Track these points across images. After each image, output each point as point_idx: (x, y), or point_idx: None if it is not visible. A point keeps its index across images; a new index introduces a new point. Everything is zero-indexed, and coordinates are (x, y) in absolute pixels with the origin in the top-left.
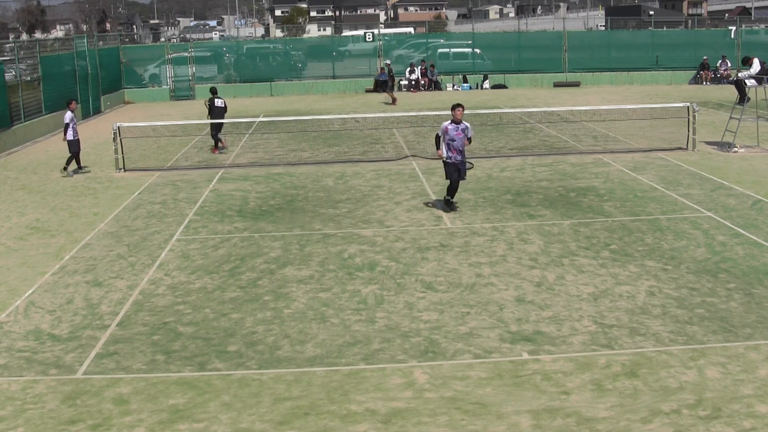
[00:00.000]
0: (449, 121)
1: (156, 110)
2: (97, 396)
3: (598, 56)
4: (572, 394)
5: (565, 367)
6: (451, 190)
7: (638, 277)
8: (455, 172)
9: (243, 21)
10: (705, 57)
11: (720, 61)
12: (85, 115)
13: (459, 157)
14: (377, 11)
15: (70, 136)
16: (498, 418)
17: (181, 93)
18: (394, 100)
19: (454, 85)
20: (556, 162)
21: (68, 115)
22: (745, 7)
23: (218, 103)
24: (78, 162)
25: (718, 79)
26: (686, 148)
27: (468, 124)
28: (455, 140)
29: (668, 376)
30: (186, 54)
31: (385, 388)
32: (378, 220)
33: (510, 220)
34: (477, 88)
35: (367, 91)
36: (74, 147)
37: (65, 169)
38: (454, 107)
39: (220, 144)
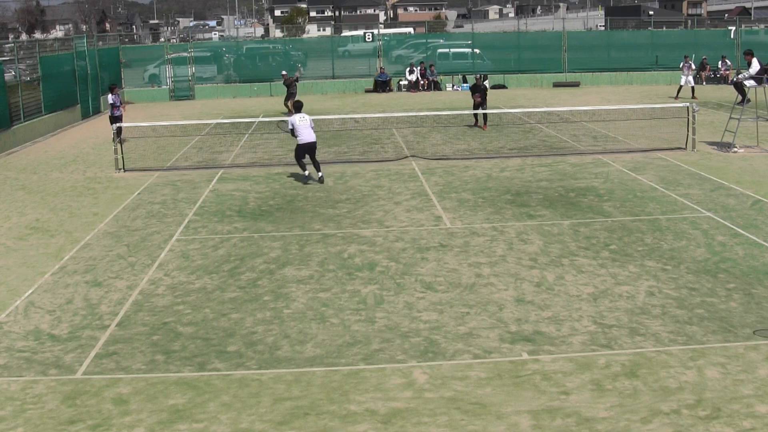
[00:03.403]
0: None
1: (156, 110)
2: (96, 396)
3: (597, 56)
4: (572, 394)
5: (564, 367)
6: None
7: (638, 277)
8: None
9: (243, 21)
10: (704, 57)
11: (720, 61)
12: (85, 115)
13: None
14: (377, 11)
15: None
16: (498, 418)
17: (180, 93)
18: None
19: (453, 86)
20: (556, 162)
21: (109, 96)
22: (744, 7)
23: None
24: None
25: (717, 80)
26: (686, 148)
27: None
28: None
29: (668, 376)
30: (186, 54)
31: (384, 388)
32: (378, 220)
33: (510, 220)
34: (485, 83)
35: (367, 91)
36: (111, 121)
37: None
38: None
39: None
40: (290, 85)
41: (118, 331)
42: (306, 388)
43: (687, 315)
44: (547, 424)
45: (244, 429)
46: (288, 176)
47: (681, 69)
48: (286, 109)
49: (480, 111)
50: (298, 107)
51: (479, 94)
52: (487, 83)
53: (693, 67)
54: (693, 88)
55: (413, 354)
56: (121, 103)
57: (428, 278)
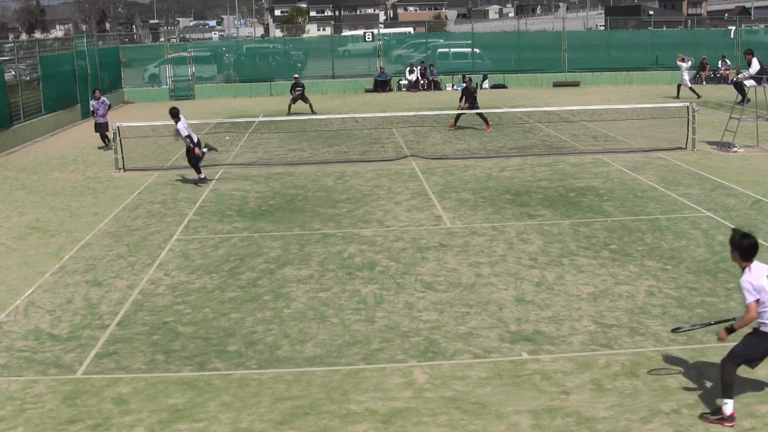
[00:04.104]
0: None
1: (156, 110)
2: (96, 396)
3: (597, 56)
4: (572, 394)
5: (564, 366)
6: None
7: (638, 276)
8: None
9: (242, 21)
10: (704, 57)
11: (720, 61)
12: (85, 114)
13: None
14: (377, 11)
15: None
16: (498, 417)
17: (180, 93)
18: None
19: (453, 85)
20: (556, 162)
21: (92, 102)
22: (744, 7)
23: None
24: (103, 139)
25: (717, 79)
26: (686, 148)
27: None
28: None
29: (668, 376)
30: (185, 54)
31: (384, 387)
32: (378, 219)
33: (510, 220)
34: (477, 87)
35: (367, 90)
36: (96, 129)
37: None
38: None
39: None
40: (295, 87)
41: (118, 331)
42: (306, 388)
43: (687, 315)
44: (547, 424)
45: (244, 429)
46: (288, 176)
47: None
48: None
49: (472, 111)
50: (176, 113)
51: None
52: (487, 83)
53: (688, 65)
54: (691, 88)
55: (413, 354)
56: (108, 108)
57: (428, 278)
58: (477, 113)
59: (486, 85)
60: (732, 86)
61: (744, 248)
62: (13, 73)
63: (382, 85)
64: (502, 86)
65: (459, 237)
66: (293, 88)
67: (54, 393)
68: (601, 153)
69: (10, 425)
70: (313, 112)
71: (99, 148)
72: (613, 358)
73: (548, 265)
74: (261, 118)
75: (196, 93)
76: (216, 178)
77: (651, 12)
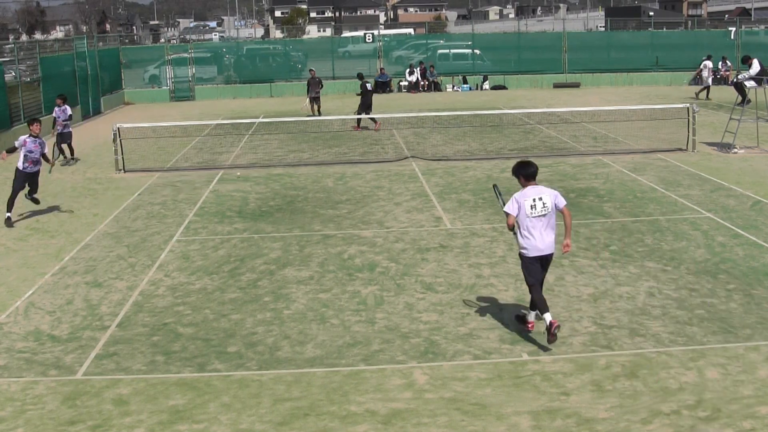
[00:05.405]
0: (27, 135)
1: (156, 111)
2: (96, 397)
3: (597, 57)
4: (572, 395)
5: (564, 367)
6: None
7: (638, 278)
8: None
9: (243, 22)
10: (704, 58)
11: (720, 62)
12: (85, 115)
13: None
14: (377, 12)
15: (58, 129)
16: (498, 418)
17: (180, 94)
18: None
19: (453, 86)
20: (556, 163)
21: (55, 110)
22: (744, 8)
23: (368, 86)
24: (61, 152)
25: (717, 80)
26: (686, 149)
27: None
28: (33, 152)
29: (668, 377)
30: (186, 55)
31: (384, 388)
32: (378, 221)
33: None
34: (477, 89)
35: None
36: (58, 139)
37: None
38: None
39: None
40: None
41: (119, 332)
42: (306, 389)
43: (687, 316)
44: (547, 425)
45: (244, 430)
46: (288, 177)
47: (702, 69)
48: (311, 112)
49: (365, 116)
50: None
51: (370, 94)
52: (487, 84)
53: (709, 66)
54: (702, 89)
55: (413, 355)
56: (69, 118)
57: (428, 279)
58: (356, 117)
59: (486, 86)
60: (732, 87)
61: (527, 174)
62: (13, 74)
63: (382, 86)
64: (503, 87)
65: (459, 238)
66: (310, 85)
67: (54, 394)
68: (601, 154)
69: (10, 426)
70: (318, 114)
71: (62, 164)
72: (613, 359)
73: None
74: (261, 119)
75: (197, 94)
76: (216, 179)
77: (651, 13)
